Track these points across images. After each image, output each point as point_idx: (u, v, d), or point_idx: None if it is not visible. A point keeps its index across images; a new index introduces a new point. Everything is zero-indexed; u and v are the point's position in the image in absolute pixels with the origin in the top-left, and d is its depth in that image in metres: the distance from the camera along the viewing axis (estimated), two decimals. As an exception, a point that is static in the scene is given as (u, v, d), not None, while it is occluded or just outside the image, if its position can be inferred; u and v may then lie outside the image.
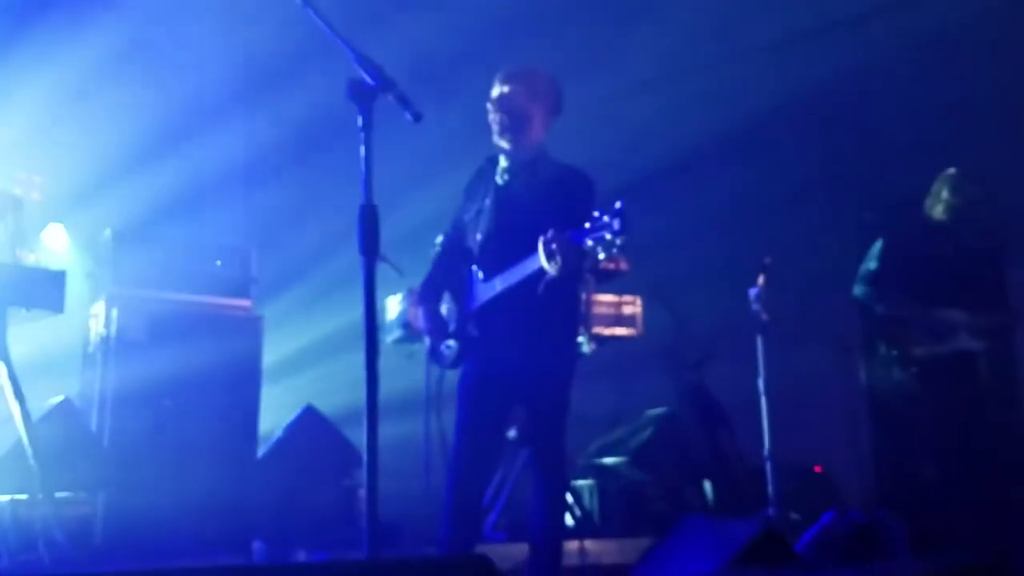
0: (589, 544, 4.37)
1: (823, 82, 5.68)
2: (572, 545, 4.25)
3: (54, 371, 5.04)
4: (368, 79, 2.26)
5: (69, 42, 5.65)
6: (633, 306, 5.05)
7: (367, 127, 2.27)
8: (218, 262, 5.14)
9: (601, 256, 2.75)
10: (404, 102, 2.27)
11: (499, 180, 3.22)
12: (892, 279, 4.35)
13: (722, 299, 5.11)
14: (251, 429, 5.05)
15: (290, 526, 4.81)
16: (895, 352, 4.33)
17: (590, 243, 2.74)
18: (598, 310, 4.93)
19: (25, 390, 3.85)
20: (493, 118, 3.17)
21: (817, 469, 5.26)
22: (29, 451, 3.75)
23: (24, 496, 4.14)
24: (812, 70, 5.71)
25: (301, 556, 4.39)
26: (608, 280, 5.01)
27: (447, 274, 3.35)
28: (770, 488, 4.36)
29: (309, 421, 5.22)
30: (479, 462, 3.11)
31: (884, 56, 5.70)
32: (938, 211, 4.38)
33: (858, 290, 4.47)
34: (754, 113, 5.79)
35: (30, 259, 3.87)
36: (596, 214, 2.73)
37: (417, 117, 2.25)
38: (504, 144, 3.18)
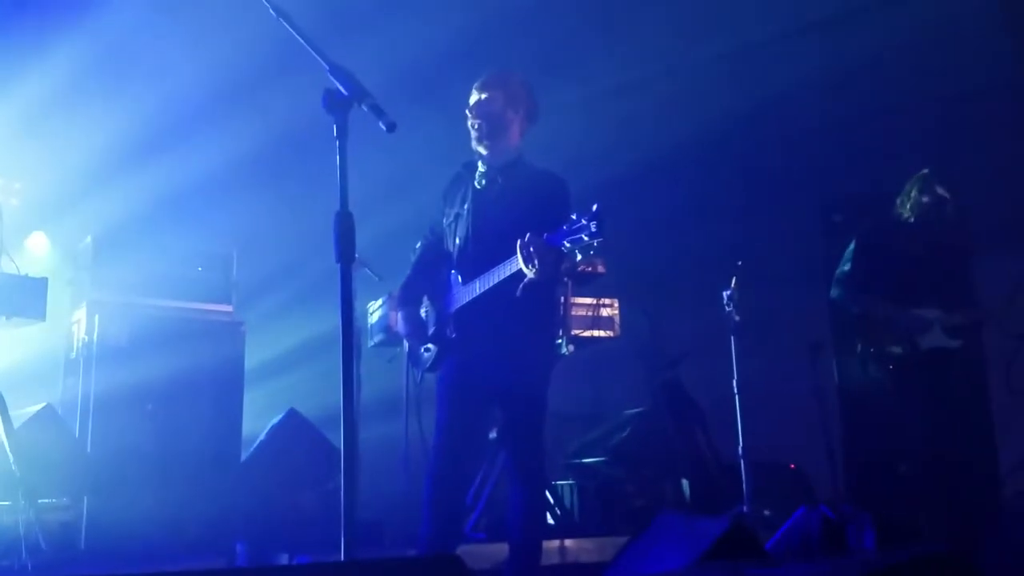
0: (569, 543, 4.42)
1: (791, 85, 5.77)
2: (552, 544, 4.29)
3: (36, 378, 5.04)
4: (342, 89, 2.31)
5: (46, 50, 5.65)
6: (611, 308, 5.12)
7: (342, 136, 2.30)
8: (199, 268, 5.17)
9: (579, 258, 2.81)
10: (378, 112, 2.30)
11: (477, 185, 3.27)
12: (866, 279, 4.44)
13: (696, 301, 5.20)
14: (234, 433, 5.07)
15: (273, 529, 4.84)
16: (871, 350, 4.40)
17: (567, 245, 2.79)
18: (576, 312, 4.99)
19: (7, 397, 3.85)
20: (471, 124, 3.23)
21: (791, 466, 5.35)
22: (11, 458, 3.75)
23: (6, 502, 4.15)
24: (780, 73, 5.80)
25: (284, 559, 4.41)
26: (586, 283, 5.07)
27: (426, 279, 3.40)
28: (744, 485, 4.43)
29: (292, 424, 5.25)
30: (458, 462, 3.15)
31: (852, 58, 5.80)
32: (908, 210, 4.47)
33: (834, 292, 4.55)
34: (724, 116, 5.88)
35: (10, 267, 3.87)
36: (573, 217, 2.78)
37: (391, 127, 2.29)
38: (482, 150, 3.24)
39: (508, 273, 2.96)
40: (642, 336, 5.75)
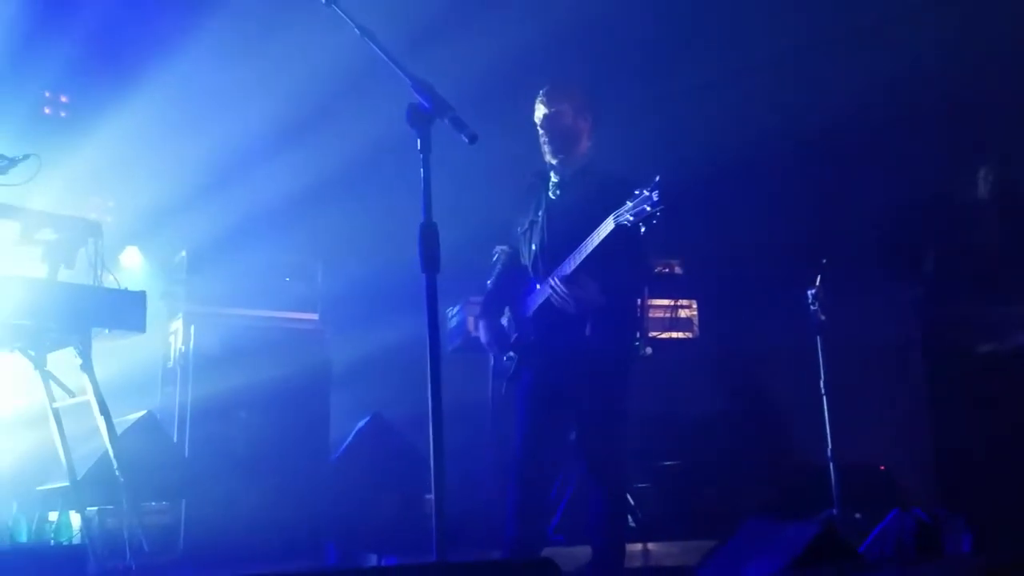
0: (651, 547, 4.41)
1: (872, 80, 5.61)
2: (635, 547, 4.29)
3: (136, 386, 5.29)
4: (425, 104, 2.36)
5: (138, 75, 5.94)
6: (689, 309, 5.07)
7: (425, 149, 2.37)
8: (287, 278, 5.36)
9: (642, 230, 2.85)
10: (459, 124, 2.35)
11: (551, 195, 3.32)
12: (948, 278, 4.31)
13: (779, 300, 5.09)
14: (322, 437, 5.24)
15: (361, 530, 4.96)
16: (957, 350, 4.27)
17: (631, 219, 2.85)
18: (654, 313, 4.97)
19: (110, 405, 4.01)
20: (543, 138, 3.27)
21: (881, 468, 5.20)
22: (115, 463, 3.90)
23: (111, 506, 4.35)
24: (860, 68, 5.65)
25: (372, 559, 4.51)
26: (663, 283, 5.04)
27: (506, 290, 3.45)
28: (833, 488, 4.34)
29: (377, 428, 5.37)
30: (542, 466, 3.18)
31: (929, 53, 5.60)
32: (983, 192, 4.32)
33: (915, 291, 4.43)
34: (807, 111, 5.75)
35: (110, 281, 4.05)
36: (636, 192, 2.84)
37: (472, 139, 2.34)
38: (554, 160, 3.28)
39: (573, 267, 3.00)
40: (722, 337, 5.67)
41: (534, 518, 3.16)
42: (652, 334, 4.92)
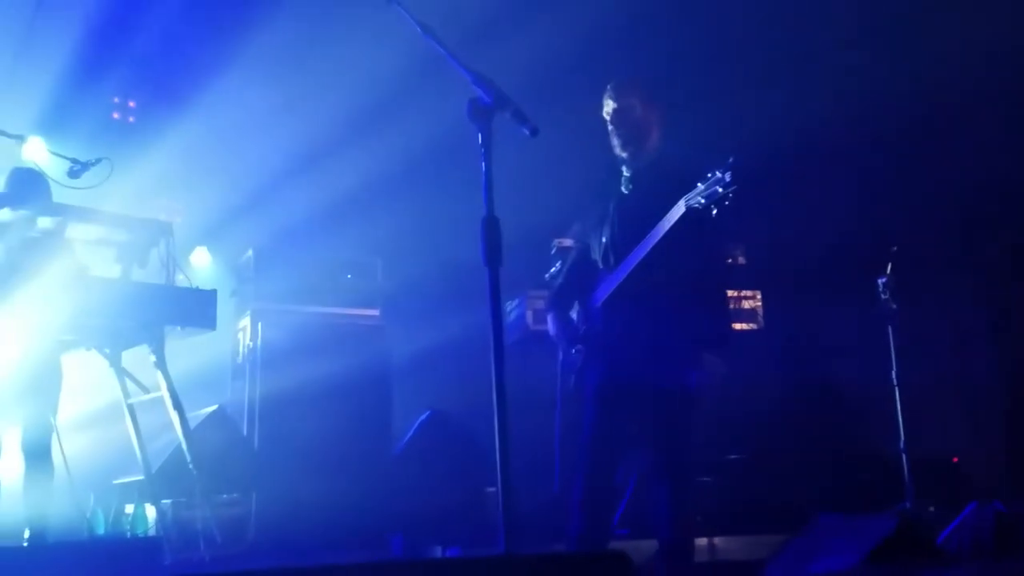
0: (717, 541, 4.36)
1: (944, 69, 5.42)
2: (700, 542, 4.24)
3: (207, 382, 5.45)
4: (485, 98, 2.36)
5: (204, 81, 6.09)
6: (753, 300, 4.99)
7: (486, 143, 2.36)
8: (349, 275, 5.46)
9: (714, 212, 2.81)
10: (520, 118, 2.34)
11: (623, 189, 3.30)
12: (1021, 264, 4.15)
13: (847, 290, 4.97)
14: (384, 429, 5.32)
15: (424, 522, 5.01)
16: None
17: (702, 201, 2.83)
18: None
19: (182, 401, 4.13)
20: (614, 132, 3.25)
21: (954, 460, 5.05)
22: (188, 457, 4.02)
23: (184, 498, 4.47)
24: (931, 56, 5.47)
25: (437, 551, 4.55)
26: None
27: (576, 283, 3.44)
28: (906, 481, 4.23)
29: (437, 421, 5.42)
30: (607, 458, 3.16)
31: (1008, 41, 5.39)
32: None
33: (988, 279, 4.28)
34: (874, 100, 5.60)
35: (182, 280, 4.16)
36: (708, 174, 2.83)
37: (534, 132, 2.32)
38: (626, 155, 3.26)
39: (643, 254, 2.99)
40: (787, 328, 5.57)
41: (599, 511, 3.14)
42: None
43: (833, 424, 5.29)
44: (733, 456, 5.37)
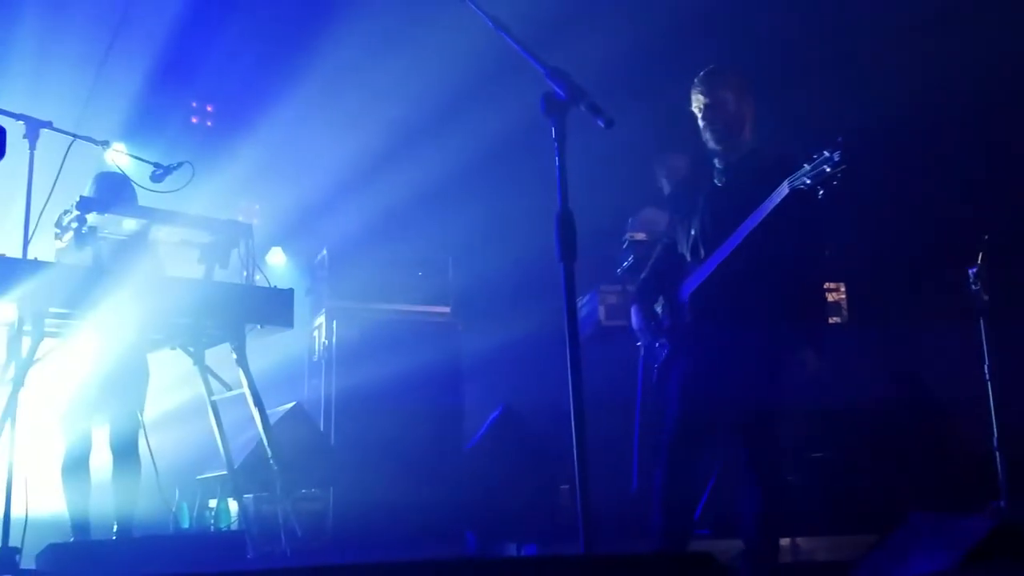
0: (801, 541, 4.24)
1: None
2: (784, 542, 4.14)
3: (285, 379, 5.57)
4: (559, 92, 2.33)
5: (275, 87, 6.22)
6: (837, 292, 4.82)
7: (560, 138, 2.34)
8: (419, 273, 5.51)
9: (820, 193, 2.74)
10: (595, 110, 2.31)
11: (717, 182, 3.23)
12: None
13: (936, 280, 4.77)
14: (457, 426, 5.35)
15: (497, 518, 5.01)
16: None
17: (808, 183, 2.78)
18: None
19: (262, 397, 4.20)
20: (707, 127, 3.19)
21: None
22: (268, 452, 4.08)
23: (266, 493, 4.57)
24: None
25: (511, 549, 4.55)
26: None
27: (663, 276, 3.39)
28: (1000, 479, 4.04)
29: (508, 419, 5.42)
30: (692, 457, 3.10)
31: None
32: None
33: None
34: (969, 80, 5.35)
35: (260, 280, 4.24)
36: (815, 155, 2.77)
37: (609, 123, 2.29)
38: (719, 148, 3.19)
39: (739, 240, 2.95)
40: (873, 321, 5.37)
41: (683, 509, 3.09)
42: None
43: (922, 421, 5.09)
44: (817, 454, 5.22)
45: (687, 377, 3.13)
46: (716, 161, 3.23)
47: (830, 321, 4.81)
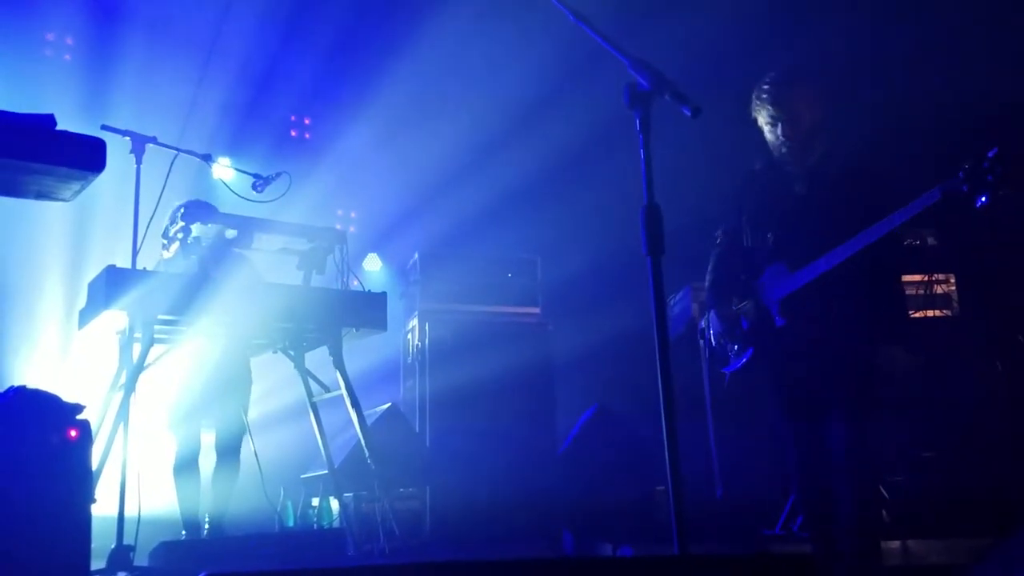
0: (912, 543, 4.05)
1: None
2: (892, 544, 3.96)
3: (381, 381, 5.68)
4: (643, 82, 2.29)
5: (367, 100, 6.36)
6: (946, 284, 4.57)
7: (645, 130, 2.29)
8: (509, 274, 5.53)
9: (981, 200, 2.62)
10: (680, 99, 2.24)
11: (796, 188, 3.12)
12: None
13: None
14: (550, 426, 5.34)
15: (592, 518, 4.97)
16: None
17: (964, 190, 2.65)
18: (906, 291, 4.54)
19: (359, 398, 4.28)
20: (782, 143, 3.07)
21: None
22: (366, 452, 4.16)
23: (365, 492, 4.66)
24: None
25: (607, 549, 4.50)
26: (914, 256, 4.59)
27: (735, 277, 3.30)
28: None
29: (601, 418, 5.38)
30: (821, 471, 3.01)
31: None
32: None
33: None
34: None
35: (355, 285, 4.34)
36: (966, 166, 2.63)
37: (695, 112, 2.22)
38: (798, 153, 3.08)
39: (862, 246, 2.82)
40: (985, 314, 5.08)
41: (828, 524, 2.98)
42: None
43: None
44: (928, 454, 4.97)
45: (789, 391, 3.06)
46: (790, 166, 3.12)
47: (939, 314, 4.57)
